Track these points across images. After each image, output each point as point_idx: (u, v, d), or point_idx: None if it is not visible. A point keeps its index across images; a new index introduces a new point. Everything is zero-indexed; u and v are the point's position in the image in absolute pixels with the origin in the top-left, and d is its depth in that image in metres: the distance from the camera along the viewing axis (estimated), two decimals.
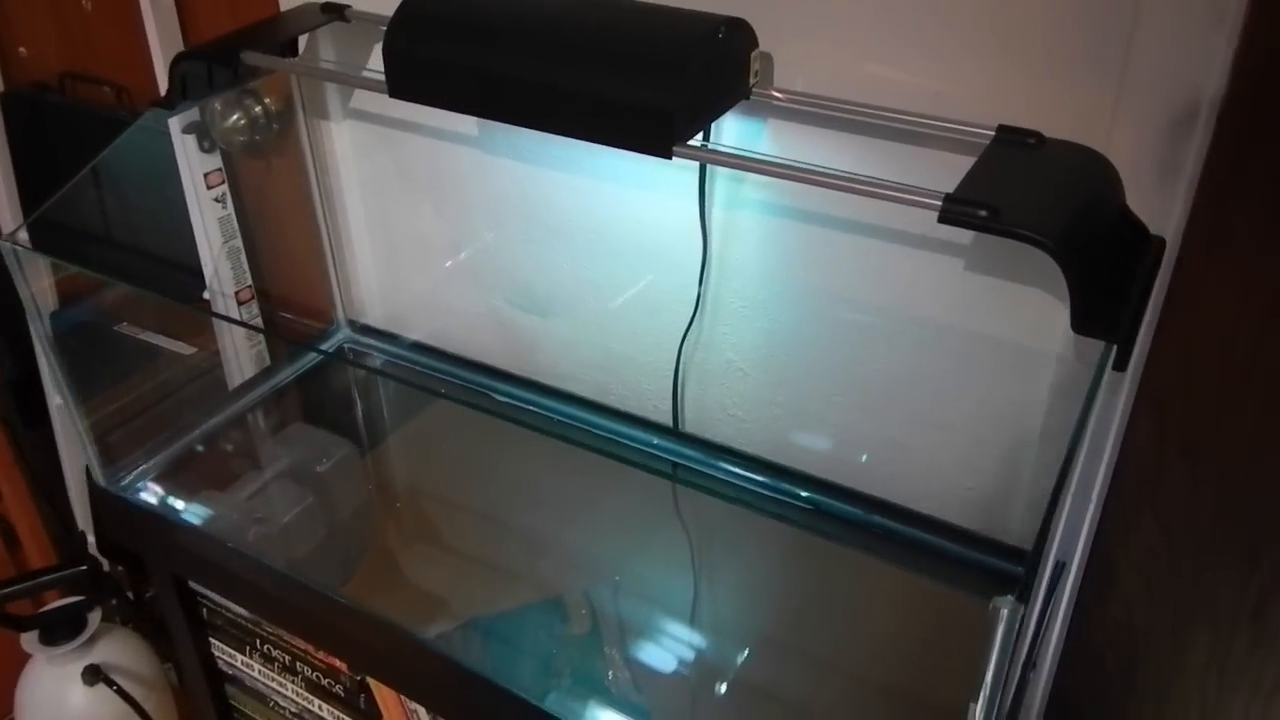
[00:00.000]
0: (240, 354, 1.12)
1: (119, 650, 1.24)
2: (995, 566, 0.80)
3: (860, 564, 0.86)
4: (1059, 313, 0.71)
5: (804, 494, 0.88)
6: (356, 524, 0.99)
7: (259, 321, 1.13)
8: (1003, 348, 0.76)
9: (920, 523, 0.84)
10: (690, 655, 0.85)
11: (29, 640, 1.18)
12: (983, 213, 0.54)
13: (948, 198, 0.55)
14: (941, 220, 0.56)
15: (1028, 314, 0.73)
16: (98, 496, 0.91)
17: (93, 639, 1.20)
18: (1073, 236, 0.53)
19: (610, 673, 0.81)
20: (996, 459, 0.81)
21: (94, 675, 1.19)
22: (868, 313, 0.80)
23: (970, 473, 0.82)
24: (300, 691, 0.94)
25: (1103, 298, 0.54)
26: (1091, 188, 0.59)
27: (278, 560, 0.86)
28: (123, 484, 0.92)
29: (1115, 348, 0.55)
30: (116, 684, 1.19)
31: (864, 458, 0.87)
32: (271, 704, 1.00)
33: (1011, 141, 0.62)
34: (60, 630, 1.19)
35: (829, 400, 0.87)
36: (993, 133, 0.64)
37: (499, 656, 0.82)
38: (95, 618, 1.21)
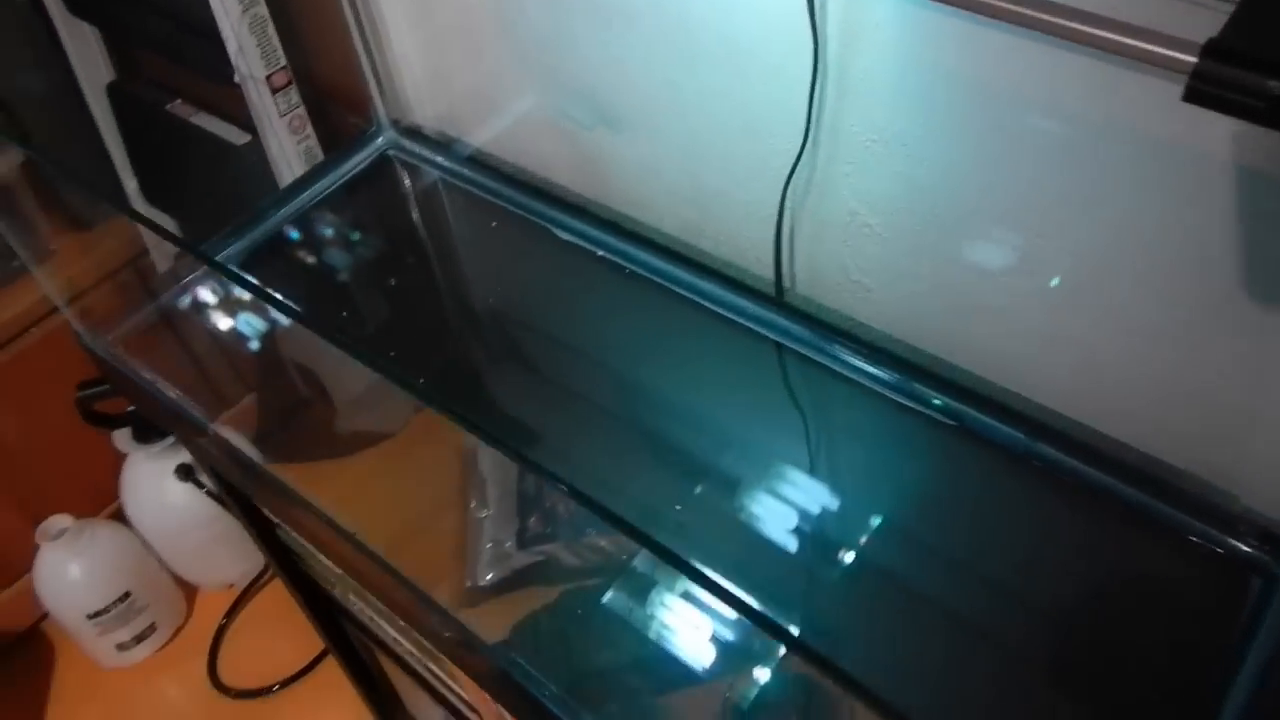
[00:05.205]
0: (285, 148, 0.95)
1: None
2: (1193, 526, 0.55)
3: (1018, 507, 0.62)
4: None
5: (937, 401, 0.63)
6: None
7: (301, 112, 0.94)
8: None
9: (1101, 461, 0.59)
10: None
11: (121, 438, 1.15)
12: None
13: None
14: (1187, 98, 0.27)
15: None
16: None
17: None
18: None
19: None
20: (1219, 385, 0.53)
21: (185, 474, 1.16)
22: (1050, 155, 0.52)
23: (1182, 396, 0.55)
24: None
25: None
26: None
27: None
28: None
29: None
30: (206, 486, 1.16)
31: (1054, 280, 0.61)
32: None
33: None
34: (151, 428, 1.15)
35: (992, 280, 0.60)
36: None
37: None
38: None
